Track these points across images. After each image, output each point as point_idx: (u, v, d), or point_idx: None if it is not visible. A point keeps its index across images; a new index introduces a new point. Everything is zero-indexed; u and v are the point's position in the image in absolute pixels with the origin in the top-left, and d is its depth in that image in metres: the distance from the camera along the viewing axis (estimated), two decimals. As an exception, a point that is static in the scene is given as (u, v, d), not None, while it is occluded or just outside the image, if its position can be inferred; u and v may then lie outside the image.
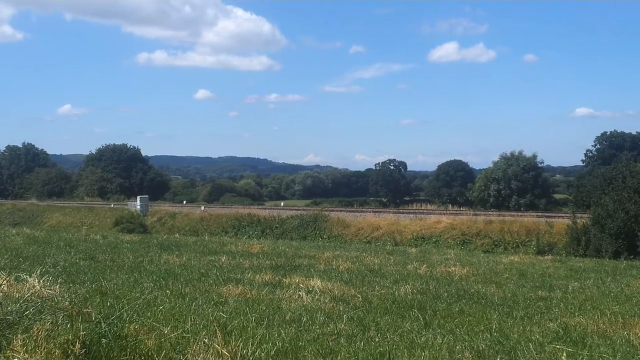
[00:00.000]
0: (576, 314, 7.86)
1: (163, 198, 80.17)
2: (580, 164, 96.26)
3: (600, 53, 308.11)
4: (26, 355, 4.22)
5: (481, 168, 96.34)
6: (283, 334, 5.24)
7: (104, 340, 4.52)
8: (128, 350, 4.50)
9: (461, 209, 48.09)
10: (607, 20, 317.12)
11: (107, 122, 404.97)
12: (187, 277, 9.46)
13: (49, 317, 4.87)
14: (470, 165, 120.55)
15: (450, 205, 59.61)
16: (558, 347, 5.47)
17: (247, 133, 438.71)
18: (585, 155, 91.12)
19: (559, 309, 8.25)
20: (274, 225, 40.18)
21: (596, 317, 7.53)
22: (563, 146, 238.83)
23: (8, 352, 4.28)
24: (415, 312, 7.20)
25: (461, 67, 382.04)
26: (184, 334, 4.86)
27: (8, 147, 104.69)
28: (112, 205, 59.21)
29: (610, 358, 5.22)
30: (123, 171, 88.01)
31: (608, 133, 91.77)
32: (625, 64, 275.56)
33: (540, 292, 9.96)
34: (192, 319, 5.59)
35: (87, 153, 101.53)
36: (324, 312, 6.84)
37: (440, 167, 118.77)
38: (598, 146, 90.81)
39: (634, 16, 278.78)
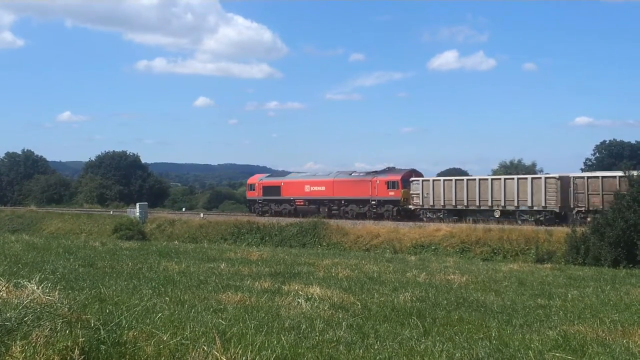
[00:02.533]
0: (575, 322, 7.86)
1: (162, 205, 79.98)
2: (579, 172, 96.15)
3: (601, 62, 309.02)
4: (25, 362, 4.22)
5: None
6: (282, 341, 5.23)
7: (102, 347, 4.52)
8: (127, 356, 4.50)
9: (460, 217, 47.92)
10: (607, 29, 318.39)
11: (106, 129, 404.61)
12: (186, 284, 9.46)
13: (47, 324, 4.86)
14: (470, 174, 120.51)
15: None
16: (557, 355, 5.46)
17: (247, 140, 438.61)
18: (585, 164, 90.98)
19: (558, 317, 8.25)
20: (273, 232, 40.12)
21: (595, 325, 7.52)
22: (562, 155, 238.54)
23: (7, 358, 4.27)
24: (414, 319, 7.19)
25: (461, 76, 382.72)
26: (183, 341, 4.86)
27: (7, 153, 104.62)
28: (111, 212, 59.13)
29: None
30: (122, 178, 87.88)
31: (607, 142, 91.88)
32: (626, 73, 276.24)
33: (539, 300, 9.96)
34: (191, 326, 5.58)
35: (87, 160, 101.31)
36: (323, 319, 6.83)
37: (439, 175, 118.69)
38: (597, 155, 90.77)
39: (634, 25, 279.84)
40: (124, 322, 5.38)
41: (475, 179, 37.15)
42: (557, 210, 32.85)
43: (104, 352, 4.46)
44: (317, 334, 5.91)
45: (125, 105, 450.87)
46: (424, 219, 38.42)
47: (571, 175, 33.16)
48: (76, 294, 7.31)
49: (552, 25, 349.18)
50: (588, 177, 32.11)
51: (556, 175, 34.10)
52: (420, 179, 40.39)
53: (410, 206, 39.95)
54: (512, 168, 76.61)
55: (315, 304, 7.90)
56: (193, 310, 6.76)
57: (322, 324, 6.44)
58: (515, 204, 34.16)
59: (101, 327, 4.91)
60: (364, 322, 6.92)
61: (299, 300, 8.00)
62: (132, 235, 41.37)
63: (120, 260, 12.79)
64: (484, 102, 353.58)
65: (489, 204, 35.43)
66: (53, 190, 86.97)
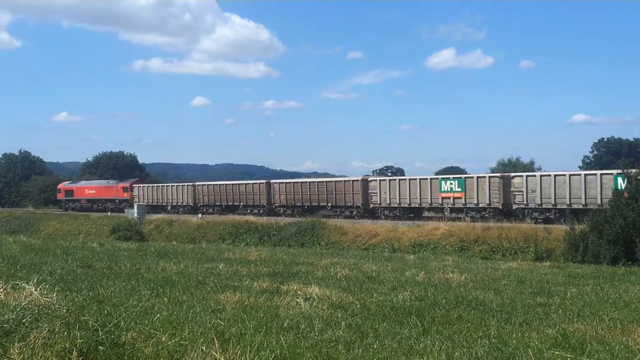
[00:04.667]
0: (575, 320, 7.85)
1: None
2: (578, 170, 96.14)
3: (598, 59, 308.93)
4: (23, 364, 4.20)
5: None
6: (281, 341, 5.22)
7: (101, 348, 4.50)
8: (125, 358, 4.49)
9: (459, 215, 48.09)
10: (604, 26, 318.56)
11: (103, 129, 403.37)
12: (185, 284, 9.44)
13: (46, 325, 4.84)
14: (468, 172, 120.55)
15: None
16: (557, 353, 5.46)
17: (244, 140, 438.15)
18: (583, 161, 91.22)
19: (557, 315, 8.24)
20: (271, 232, 40.10)
21: (595, 323, 7.52)
22: (560, 152, 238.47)
23: (4, 360, 4.25)
24: (413, 318, 7.18)
25: (459, 74, 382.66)
26: (182, 342, 4.85)
27: (4, 154, 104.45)
28: (109, 213, 59.14)
29: (609, 364, 5.21)
30: (120, 178, 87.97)
31: (605, 139, 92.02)
32: (623, 71, 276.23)
33: (538, 298, 9.96)
34: (190, 327, 5.57)
35: (84, 160, 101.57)
36: (322, 319, 6.82)
37: (437, 173, 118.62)
38: (595, 152, 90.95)
39: (631, 22, 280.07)
40: (122, 323, 5.37)
41: (167, 186, 60.92)
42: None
43: (102, 354, 4.45)
44: (316, 333, 5.90)
45: (122, 106, 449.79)
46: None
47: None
48: (74, 295, 7.30)
49: (550, 23, 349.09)
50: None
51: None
52: (137, 185, 63.22)
53: (133, 203, 59.31)
54: (510, 166, 76.89)
55: (314, 303, 7.88)
56: (191, 311, 6.75)
57: (321, 324, 6.43)
58: (176, 202, 57.68)
59: (99, 328, 4.90)
60: (363, 321, 6.91)
61: (298, 300, 7.98)
62: (130, 236, 41.39)
63: (119, 261, 12.77)
64: (481, 100, 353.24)
65: (165, 202, 58.79)
66: (50, 192, 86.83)
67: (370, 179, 44.60)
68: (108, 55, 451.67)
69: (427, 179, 40.32)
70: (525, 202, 34.56)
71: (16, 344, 4.42)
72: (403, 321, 7.11)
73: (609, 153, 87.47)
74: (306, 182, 48.20)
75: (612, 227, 22.26)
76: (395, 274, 12.82)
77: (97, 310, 6.20)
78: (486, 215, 36.03)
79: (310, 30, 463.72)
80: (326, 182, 46.64)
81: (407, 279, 12.06)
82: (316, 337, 5.70)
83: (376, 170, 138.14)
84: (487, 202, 36.26)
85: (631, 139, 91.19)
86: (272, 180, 50.86)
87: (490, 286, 11.40)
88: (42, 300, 5.73)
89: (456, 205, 37.86)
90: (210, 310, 6.99)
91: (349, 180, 44.72)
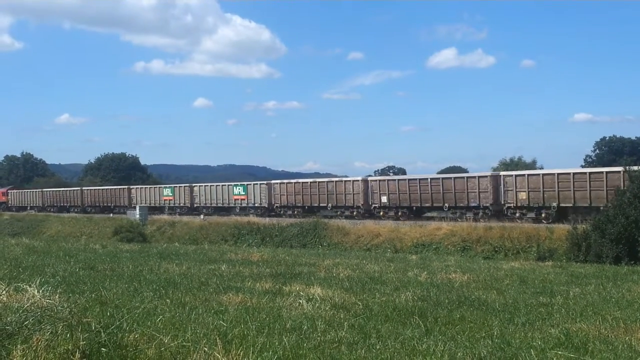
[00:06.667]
0: (578, 319, 7.85)
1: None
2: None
3: (599, 58, 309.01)
4: (26, 366, 4.20)
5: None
6: (284, 342, 5.22)
7: (103, 350, 4.50)
8: (128, 359, 4.48)
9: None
10: (606, 25, 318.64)
11: (105, 131, 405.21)
12: (187, 285, 9.45)
13: (48, 327, 4.84)
14: (470, 172, 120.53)
15: (450, 212, 59.70)
16: (560, 353, 5.45)
17: (246, 141, 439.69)
18: (585, 160, 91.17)
19: (560, 314, 8.23)
20: (273, 233, 40.05)
21: (598, 323, 7.51)
22: (562, 151, 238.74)
23: (7, 362, 4.26)
24: (416, 319, 7.18)
25: (460, 73, 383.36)
26: (184, 343, 4.85)
27: (6, 157, 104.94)
28: (111, 215, 59.18)
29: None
30: (122, 180, 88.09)
31: (607, 138, 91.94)
32: (625, 69, 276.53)
33: (541, 298, 9.95)
34: (192, 328, 5.57)
35: (86, 162, 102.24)
36: (325, 319, 6.81)
37: (439, 173, 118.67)
38: (597, 151, 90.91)
39: (632, 21, 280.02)
40: (125, 324, 5.36)
41: (33, 191, 74.96)
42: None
43: (105, 355, 4.45)
44: (319, 334, 5.89)
45: (124, 107, 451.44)
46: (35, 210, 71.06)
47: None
48: (77, 297, 7.31)
49: (551, 22, 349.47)
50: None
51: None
52: (11, 190, 78.25)
53: (10, 205, 75.67)
54: (512, 165, 76.94)
55: (317, 304, 7.89)
56: (194, 312, 6.75)
57: (324, 325, 6.43)
58: (33, 204, 72.02)
59: (102, 330, 4.90)
60: (365, 322, 6.91)
61: (300, 301, 7.98)
62: (132, 238, 41.30)
63: (121, 263, 12.79)
64: (483, 99, 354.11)
65: (26, 204, 73.55)
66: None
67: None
68: (109, 57, 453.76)
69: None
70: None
71: (19, 346, 4.42)
72: (406, 322, 7.11)
73: (611, 152, 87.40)
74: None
75: (615, 226, 22.21)
76: (398, 275, 12.82)
77: (99, 312, 6.20)
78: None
79: (311, 30, 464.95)
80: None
81: (409, 279, 12.05)
82: (319, 338, 5.70)
83: (378, 170, 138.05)
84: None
85: (633, 137, 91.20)
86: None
87: (492, 286, 11.39)
88: (44, 302, 5.73)
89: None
90: (212, 311, 7.00)
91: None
